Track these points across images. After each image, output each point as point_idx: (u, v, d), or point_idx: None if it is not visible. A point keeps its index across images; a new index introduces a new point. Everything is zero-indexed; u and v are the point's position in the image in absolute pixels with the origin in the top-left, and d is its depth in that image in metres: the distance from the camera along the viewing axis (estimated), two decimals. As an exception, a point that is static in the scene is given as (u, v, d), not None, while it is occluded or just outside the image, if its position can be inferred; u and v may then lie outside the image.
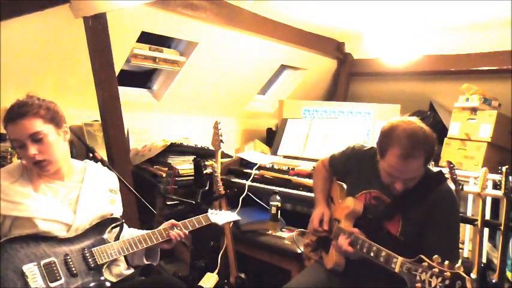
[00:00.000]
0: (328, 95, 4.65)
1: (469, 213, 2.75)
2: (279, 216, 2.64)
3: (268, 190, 2.76)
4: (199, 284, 2.38)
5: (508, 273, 2.39)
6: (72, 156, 1.74)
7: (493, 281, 2.27)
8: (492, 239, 2.83)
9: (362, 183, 1.85)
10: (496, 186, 2.52)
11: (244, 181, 2.94)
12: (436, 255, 1.35)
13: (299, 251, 2.36)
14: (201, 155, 3.07)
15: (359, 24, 3.54)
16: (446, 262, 1.31)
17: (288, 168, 2.87)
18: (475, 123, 3.23)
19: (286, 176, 2.82)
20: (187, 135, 3.49)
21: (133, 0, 2.39)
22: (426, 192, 1.69)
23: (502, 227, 2.24)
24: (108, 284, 1.58)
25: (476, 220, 2.34)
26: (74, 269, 1.52)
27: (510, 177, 2.26)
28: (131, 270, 1.74)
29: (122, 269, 1.70)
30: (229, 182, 3.00)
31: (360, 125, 3.24)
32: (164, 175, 2.50)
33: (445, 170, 2.46)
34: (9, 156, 2.38)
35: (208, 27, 3.06)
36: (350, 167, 1.92)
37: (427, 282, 1.32)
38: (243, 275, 2.51)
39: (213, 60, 3.38)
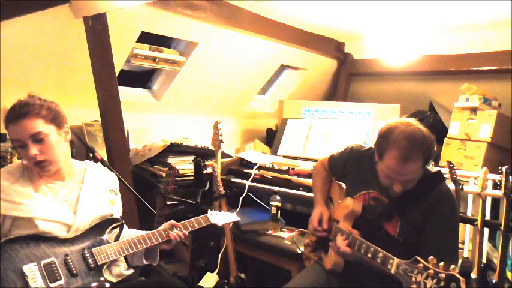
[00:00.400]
0: (328, 95, 4.65)
1: (469, 213, 2.74)
2: (279, 216, 2.64)
3: (268, 190, 2.76)
4: (199, 284, 2.38)
5: (508, 273, 2.39)
6: (72, 156, 1.74)
7: (493, 281, 2.27)
8: (492, 239, 2.83)
9: (361, 184, 1.85)
10: (496, 186, 2.52)
11: (244, 181, 2.94)
12: (431, 257, 1.35)
13: (299, 251, 2.36)
14: (201, 155, 3.07)
15: (359, 24, 3.53)
16: (442, 263, 1.31)
17: (288, 168, 2.87)
18: (475, 123, 3.23)
19: (286, 176, 2.82)
20: (187, 135, 3.49)
21: (133, 0, 2.39)
22: (425, 193, 1.69)
23: (502, 227, 2.23)
24: (108, 284, 1.58)
25: (476, 220, 2.34)
26: (73, 269, 1.52)
27: (510, 177, 2.25)
28: (131, 271, 1.74)
29: (122, 269, 1.70)
30: (229, 182, 3.00)
31: (359, 125, 3.24)
32: (164, 175, 2.50)
33: (445, 170, 2.46)
34: (9, 157, 2.38)
35: (208, 27, 3.06)
36: (349, 168, 1.93)
37: (422, 284, 1.32)
38: (243, 275, 2.52)
39: (213, 60, 3.38)
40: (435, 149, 1.66)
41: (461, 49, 3.55)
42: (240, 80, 3.76)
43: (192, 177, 2.77)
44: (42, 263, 1.48)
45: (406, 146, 1.57)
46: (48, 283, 1.45)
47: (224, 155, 3.19)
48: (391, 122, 1.68)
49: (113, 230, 1.70)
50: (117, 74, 2.65)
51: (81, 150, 2.68)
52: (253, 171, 2.98)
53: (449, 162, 2.56)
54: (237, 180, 3.02)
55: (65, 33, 2.51)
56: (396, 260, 1.47)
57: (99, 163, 1.93)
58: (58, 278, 1.48)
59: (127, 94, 3.27)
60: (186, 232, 1.79)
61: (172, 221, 1.79)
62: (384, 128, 1.68)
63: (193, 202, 2.46)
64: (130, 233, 1.80)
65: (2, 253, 1.44)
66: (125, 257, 1.71)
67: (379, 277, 1.64)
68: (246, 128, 4.27)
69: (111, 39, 2.46)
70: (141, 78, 3.47)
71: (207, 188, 2.65)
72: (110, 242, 1.64)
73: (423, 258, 1.37)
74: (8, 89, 2.47)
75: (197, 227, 1.85)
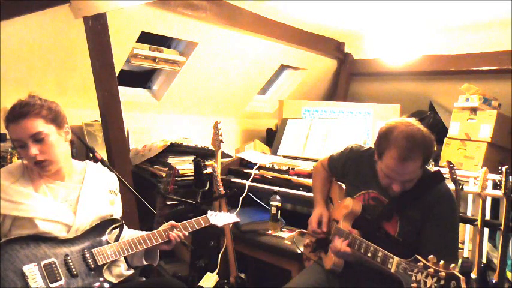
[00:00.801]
0: (328, 95, 4.65)
1: (469, 213, 2.74)
2: (279, 216, 2.64)
3: (268, 190, 2.76)
4: (199, 284, 2.38)
5: (508, 273, 2.39)
6: (72, 156, 1.74)
7: (493, 281, 2.27)
8: (492, 239, 2.83)
9: (360, 184, 1.85)
10: (496, 186, 2.52)
11: (244, 181, 2.94)
12: (431, 256, 1.35)
13: (299, 251, 2.36)
14: (201, 155, 3.07)
15: (359, 24, 3.54)
16: (442, 262, 1.31)
17: (288, 168, 2.87)
18: (475, 123, 3.23)
19: (286, 176, 2.82)
20: (187, 135, 3.49)
21: (133, 0, 2.39)
22: (424, 193, 1.69)
23: (502, 227, 2.24)
24: (108, 285, 1.58)
25: (476, 220, 2.34)
26: (74, 269, 1.52)
27: (510, 177, 2.25)
28: (131, 271, 1.74)
29: (122, 269, 1.70)
30: (229, 182, 2.99)
31: (359, 125, 3.24)
32: (164, 175, 2.50)
33: (445, 170, 2.46)
34: (9, 156, 2.38)
35: (208, 27, 3.06)
36: (348, 168, 1.92)
37: (422, 283, 1.32)
38: (243, 275, 2.51)
39: (213, 60, 3.38)
40: (435, 149, 1.66)
41: (461, 49, 3.55)
42: (240, 80, 3.76)
43: (192, 177, 2.77)
44: (43, 263, 1.48)
45: (405, 146, 1.57)
46: (49, 283, 1.45)
47: (224, 155, 3.19)
48: (391, 122, 1.68)
49: (113, 231, 1.70)
50: (117, 74, 2.65)
51: (81, 150, 2.68)
52: (253, 171, 2.98)
53: (449, 162, 2.56)
54: (237, 180, 3.01)
55: (65, 33, 2.51)
56: (396, 259, 1.47)
57: (99, 163, 1.93)
58: (58, 278, 1.48)
59: (127, 94, 3.27)
60: (186, 233, 1.79)
61: (172, 222, 1.79)
62: (383, 127, 1.68)
63: (193, 202, 2.46)
64: (130, 234, 1.80)
65: (2, 253, 1.44)
66: (125, 258, 1.71)
67: (379, 277, 1.64)
68: (246, 128, 4.27)
69: (111, 39, 2.46)
70: (141, 78, 3.47)
71: (207, 188, 2.65)
72: (110, 243, 1.64)
73: (422, 257, 1.37)
74: (8, 89, 2.48)
75: (197, 228, 1.85)
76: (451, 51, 3.60)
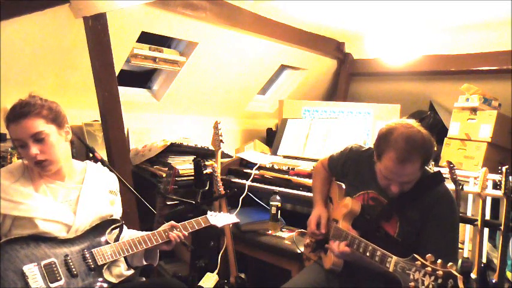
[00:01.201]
0: (328, 95, 4.65)
1: (469, 213, 2.75)
2: (279, 216, 2.64)
3: (268, 190, 2.76)
4: (199, 284, 2.38)
5: (508, 273, 2.39)
6: (72, 156, 1.74)
7: (493, 281, 2.27)
8: (492, 239, 2.83)
9: (360, 184, 1.85)
10: (496, 186, 2.52)
11: (244, 181, 2.94)
12: (429, 254, 1.35)
13: (299, 251, 2.36)
14: (201, 155, 3.07)
15: (359, 24, 3.53)
16: (439, 261, 1.31)
17: (288, 168, 2.88)
18: (475, 123, 3.23)
19: (286, 176, 2.82)
20: (187, 135, 3.49)
21: (133, 0, 2.39)
22: (423, 193, 1.69)
23: (502, 227, 2.24)
24: (108, 285, 1.58)
25: (476, 220, 2.34)
26: (74, 269, 1.52)
27: (510, 177, 2.26)
28: (131, 271, 1.74)
29: (122, 269, 1.70)
30: (229, 182, 3.00)
31: (359, 125, 3.24)
32: (164, 175, 2.50)
33: (445, 170, 2.46)
34: (9, 156, 2.38)
35: (208, 27, 3.06)
36: (348, 168, 1.93)
37: (420, 281, 1.32)
38: (243, 275, 2.52)
39: (213, 60, 3.38)
40: (434, 151, 1.66)
41: (461, 49, 3.55)
42: (240, 80, 3.76)
43: (192, 177, 2.77)
44: (43, 263, 1.48)
45: (404, 148, 1.57)
46: (49, 283, 1.45)
47: (224, 155, 3.19)
48: (391, 123, 1.68)
49: (113, 231, 1.70)
50: (117, 74, 2.65)
51: (81, 150, 2.68)
52: (253, 171, 2.98)
53: (449, 162, 2.56)
54: (237, 180, 3.02)
55: (65, 33, 2.51)
56: (394, 258, 1.47)
57: (99, 163, 1.93)
58: (58, 278, 1.48)
59: (127, 94, 3.27)
60: (186, 233, 1.79)
61: (172, 222, 1.80)
62: (383, 128, 1.68)
63: (193, 202, 2.46)
64: (130, 234, 1.80)
65: (2, 253, 1.44)
66: (125, 258, 1.71)
67: (378, 277, 1.64)
68: (246, 128, 4.27)
69: (111, 39, 2.46)
70: (141, 78, 3.47)
71: (207, 188, 2.65)
72: (109, 243, 1.64)
73: (421, 257, 1.37)
74: (8, 89, 2.47)
75: (197, 228, 1.85)
76: (451, 51, 3.60)
